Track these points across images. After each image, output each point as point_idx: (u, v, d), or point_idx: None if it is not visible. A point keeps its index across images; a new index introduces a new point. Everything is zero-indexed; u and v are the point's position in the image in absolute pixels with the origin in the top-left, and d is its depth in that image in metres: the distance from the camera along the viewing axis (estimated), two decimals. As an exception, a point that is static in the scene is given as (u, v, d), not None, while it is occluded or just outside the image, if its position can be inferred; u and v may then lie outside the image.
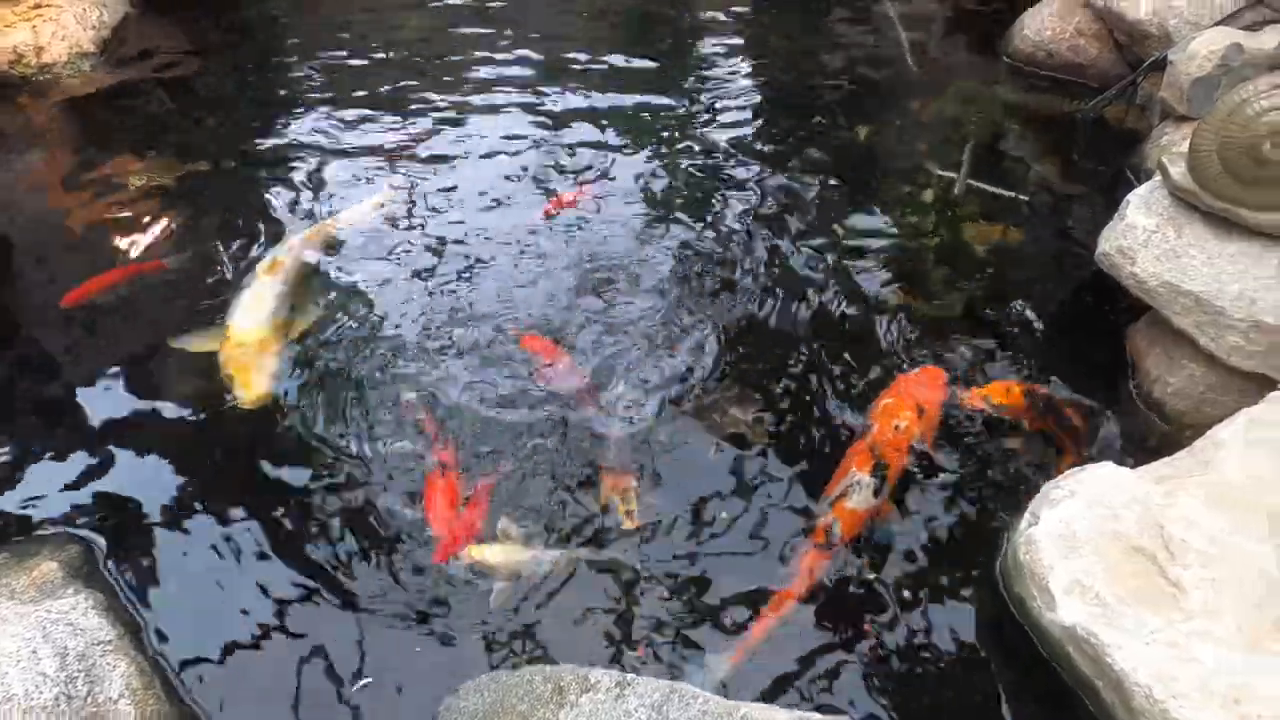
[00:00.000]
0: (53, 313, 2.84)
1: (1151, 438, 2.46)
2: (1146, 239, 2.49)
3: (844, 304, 2.94)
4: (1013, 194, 3.44)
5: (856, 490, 2.21)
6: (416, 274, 3.03)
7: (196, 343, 2.66)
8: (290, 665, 1.96)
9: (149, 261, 3.04)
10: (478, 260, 3.09)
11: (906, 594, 2.11)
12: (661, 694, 1.72)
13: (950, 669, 1.99)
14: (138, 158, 3.61)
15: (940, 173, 3.57)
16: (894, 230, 3.30)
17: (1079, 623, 1.77)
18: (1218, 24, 3.26)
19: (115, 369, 2.69)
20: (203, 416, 2.52)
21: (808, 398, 2.60)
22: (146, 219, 3.25)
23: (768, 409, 2.53)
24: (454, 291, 2.95)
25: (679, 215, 3.33)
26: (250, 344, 2.63)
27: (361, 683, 1.92)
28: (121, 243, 3.12)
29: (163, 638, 1.99)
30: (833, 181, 3.52)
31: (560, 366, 2.62)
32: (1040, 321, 2.88)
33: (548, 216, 3.28)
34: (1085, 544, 1.88)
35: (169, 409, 2.55)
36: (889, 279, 3.05)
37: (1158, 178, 2.61)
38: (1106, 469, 2.03)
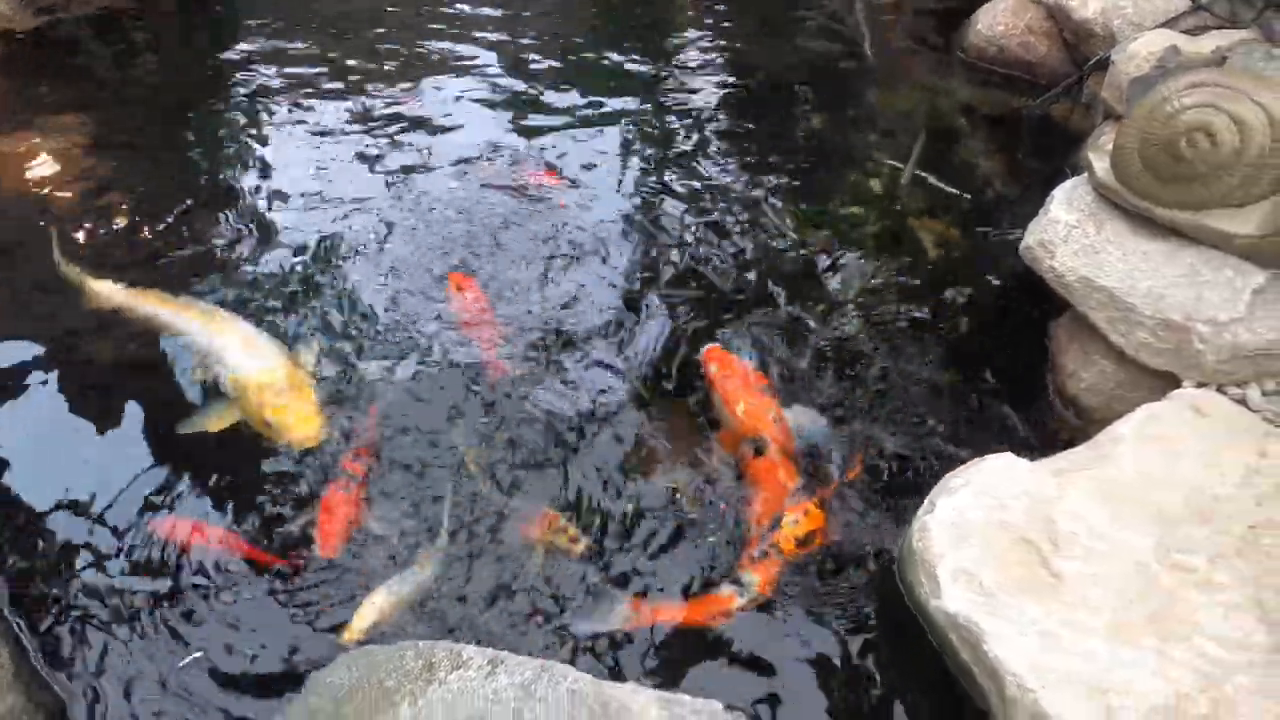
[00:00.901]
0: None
1: (1064, 433, 2.46)
2: (1067, 233, 2.48)
3: (783, 296, 2.90)
4: (957, 191, 3.44)
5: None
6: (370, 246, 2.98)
7: (213, 421, 2.31)
8: (161, 645, 1.89)
9: None
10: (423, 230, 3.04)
11: (802, 578, 2.08)
12: (532, 672, 1.68)
13: (841, 655, 1.97)
14: (50, 115, 3.44)
15: (890, 162, 3.56)
16: (838, 218, 3.29)
17: (961, 610, 1.76)
18: (1159, 26, 3.26)
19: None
20: (87, 394, 2.43)
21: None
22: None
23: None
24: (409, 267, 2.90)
25: (628, 201, 3.30)
26: (278, 381, 2.33)
27: (190, 657, 1.85)
28: None
29: (24, 613, 1.91)
30: (785, 169, 3.50)
31: (475, 308, 2.61)
32: (972, 315, 2.87)
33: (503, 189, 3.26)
34: (975, 533, 1.86)
35: (52, 387, 2.46)
36: (828, 269, 3.03)
37: (1084, 174, 2.61)
38: (1004, 460, 2.01)
